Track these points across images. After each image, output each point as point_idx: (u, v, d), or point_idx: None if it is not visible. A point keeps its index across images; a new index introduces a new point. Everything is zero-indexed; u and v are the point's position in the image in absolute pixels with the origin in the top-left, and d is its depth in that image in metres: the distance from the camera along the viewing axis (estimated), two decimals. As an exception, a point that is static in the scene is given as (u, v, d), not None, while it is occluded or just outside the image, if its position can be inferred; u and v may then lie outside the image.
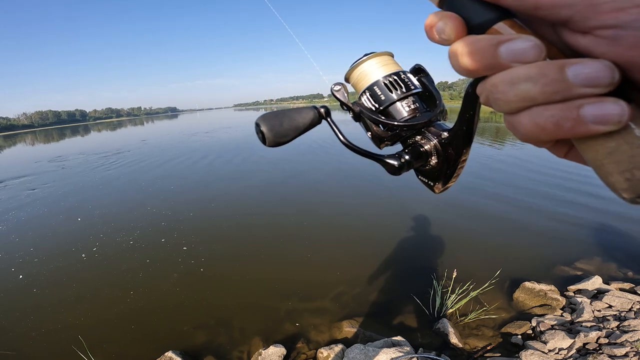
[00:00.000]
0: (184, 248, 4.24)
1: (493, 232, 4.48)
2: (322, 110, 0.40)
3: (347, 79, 0.43)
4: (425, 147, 0.38)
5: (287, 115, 0.39)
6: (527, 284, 3.12)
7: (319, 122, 0.41)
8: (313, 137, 14.02)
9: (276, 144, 0.38)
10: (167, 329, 2.79)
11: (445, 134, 0.36)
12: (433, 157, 0.38)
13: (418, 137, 0.39)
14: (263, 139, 0.38)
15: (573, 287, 3.14)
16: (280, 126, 0.38)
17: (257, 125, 0.38)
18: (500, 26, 0.23)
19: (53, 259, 4.14)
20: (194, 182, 7.91)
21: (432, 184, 0.42)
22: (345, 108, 0.42)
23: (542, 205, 5.34)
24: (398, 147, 0.43)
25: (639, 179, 0.19)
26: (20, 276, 3.79)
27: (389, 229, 4.58)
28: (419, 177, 0.43)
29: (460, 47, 0.23)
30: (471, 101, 0.30)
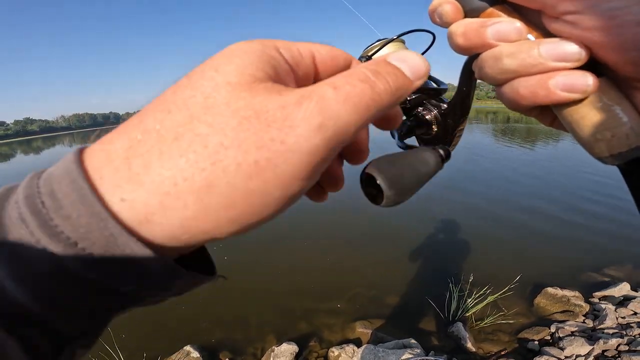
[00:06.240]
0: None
1: (516, 235, 4.34)
2: (441, 152, 0.31)
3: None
4: (427, 117, 0.40)
5: (406, 162, 0.28)
6: (550, 289, 3.02)
7: (441, 169, 0.32)
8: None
9: (395, 203, 0.27)
10: (187, 324, 2.91)
11: (445, 105, 0.39)
12: (434, 126, 0.40)
13: (420, 109, 0.41)
14: (375, 197, 0.26)
15: (599, 294, 3.01)
16: (402, 178, 0.26)
17: (369, 177, 0.26)
18: (492, 11, 0.26)
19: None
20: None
21: None
22: None
23: (571, 209, 5.13)
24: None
25: (609, 139, 0.22)
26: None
27: (407, 232, 4.54)
28: (421, 145, 0.45)
29: (455, 28, 0.26)
30: (467, 76, 0.33)
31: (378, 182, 0.25)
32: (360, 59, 0.39)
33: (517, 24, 0.24)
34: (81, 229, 0.16)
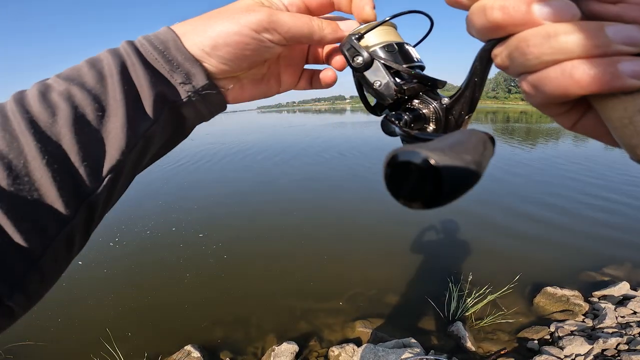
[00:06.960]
0: (203, 247, 4.39)
1: (516, 235, 4.35)
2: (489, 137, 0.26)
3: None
4: (424, 111, 0.34)
5: (471, 147, 0.19)
6: (549, 289, 3.02)
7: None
8: (323, 138, 13.90)
9: (453, 200, 0.18)
10: (187, 324, 2.92)
11: (446, 99, 0.33)
12: (431, 123, 0.34)
13: (416, 102, 0.35)
14: (427, 195, 0.17)
15: (598, 293, 3.02)
16: (468, 169, 0.18)
17: (428, 164, 0.17)
18: None
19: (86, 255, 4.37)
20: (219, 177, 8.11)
21: None
22: (353, 57, 0.36)
23: (570, 209, 5.14)
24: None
25: None
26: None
27: (407, 231, 4.54)
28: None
29: (490, 2, 0.22)
30: (485, 64, 0.27)
31: (432, 162, 0.16)
32: (351, 36, 0.36)
33: (570, 2, 0.21)
34: (162, 40, 0.34)
